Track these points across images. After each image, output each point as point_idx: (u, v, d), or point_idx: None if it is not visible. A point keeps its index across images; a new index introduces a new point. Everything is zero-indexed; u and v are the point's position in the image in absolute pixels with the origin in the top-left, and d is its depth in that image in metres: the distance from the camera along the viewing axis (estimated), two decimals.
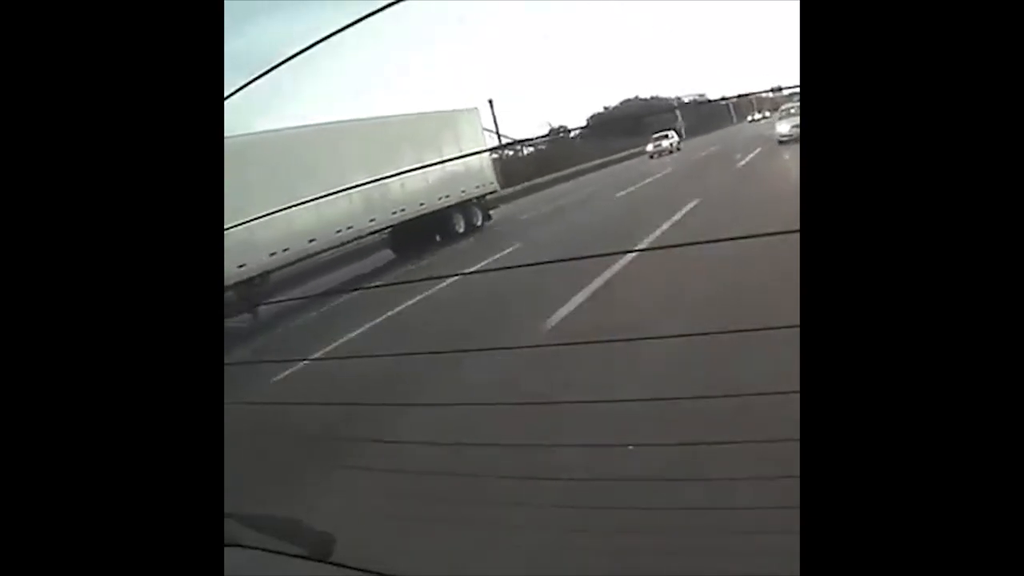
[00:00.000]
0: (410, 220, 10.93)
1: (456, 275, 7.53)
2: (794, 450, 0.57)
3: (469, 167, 12.25)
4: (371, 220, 10.27)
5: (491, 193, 13.18)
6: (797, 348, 0.56)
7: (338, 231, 9.76)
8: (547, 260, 5.88)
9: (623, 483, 2.03)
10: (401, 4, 0.95)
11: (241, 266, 8.25)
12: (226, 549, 0.81)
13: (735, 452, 1.86)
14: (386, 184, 10.04)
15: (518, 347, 4.04)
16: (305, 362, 5.41)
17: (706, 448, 1.93)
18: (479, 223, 12.49)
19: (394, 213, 10.66)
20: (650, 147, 27.21)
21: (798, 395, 0.56)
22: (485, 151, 13.20)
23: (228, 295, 8.07)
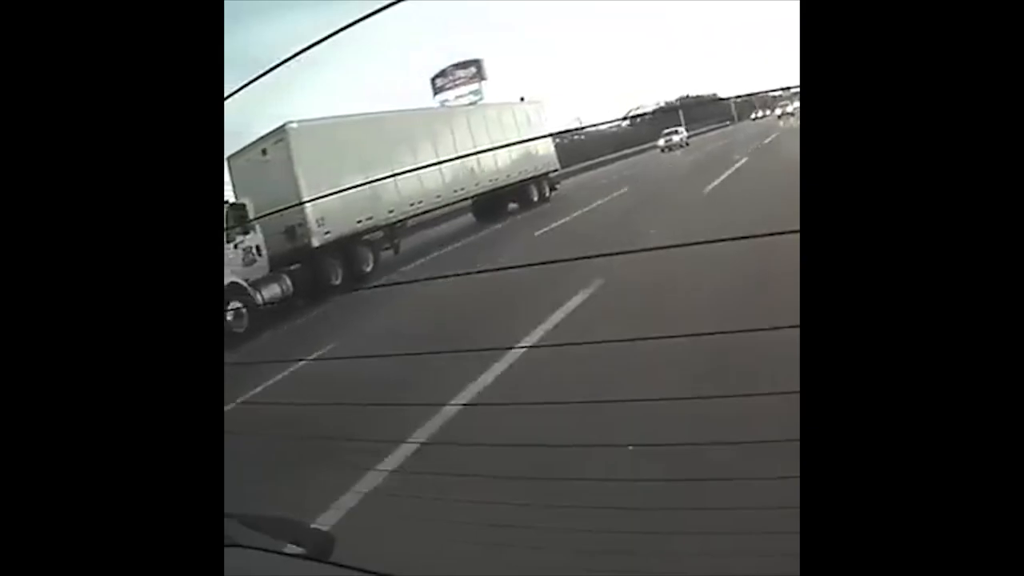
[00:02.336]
0: (499, 188, 14.04)
1: (456, 275, 7.55)
2: (794, 450, 0.57)
3: (539, 149, 15.48)
4: (476, 184, 13.28)
5: (554, 171, 16.39)
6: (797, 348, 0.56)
7: (455, 191, 12.65)
8: (548, 260, 5.88)
9: (623, 483, 2.03)
10: (403, 4, 0.95)
11: (391, 211, 11.02)
12: (226, 549, 0.81)
13: (735, 452, 1.86)
14: (484, 159, 13.29)
15: (518, 347, 4.04)
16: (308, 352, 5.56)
17: (706, 448, 1.93)
18: (547, 194, 15.71)
19: (491, 181, 13.75)
20: (661, 141, 27.68)
21: (798, 395, 0.56)
22: (551, 135, 17.24)
23: (378, 233, 10.90)
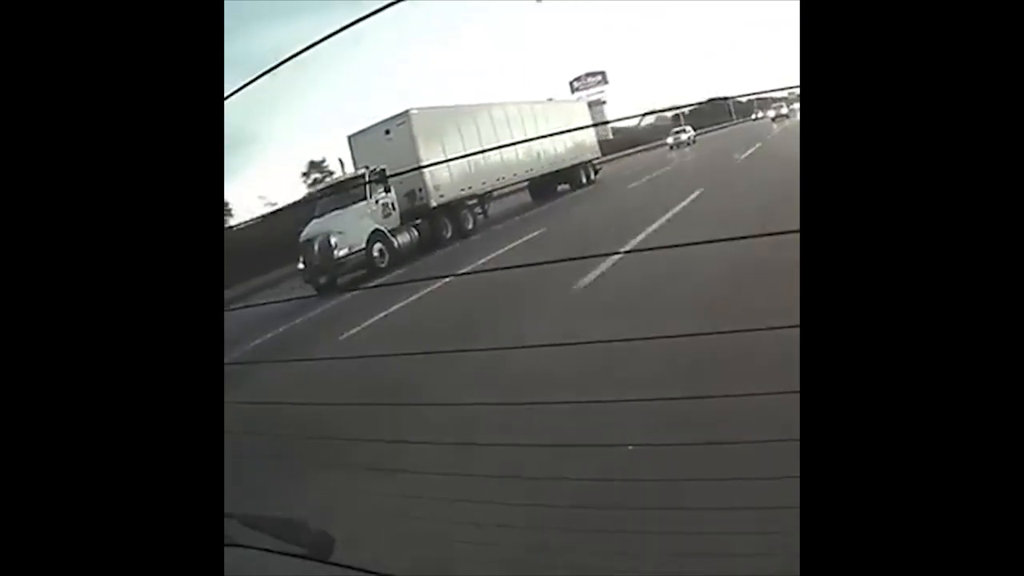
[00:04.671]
0: (557, 170, 17.34)
1: (454, 275, 7.57)
2: (794, 450, 0.57)
3: (586, 139, 18.94)
4: (541, 166, 16.62)
5: (596, 159, 20.06)
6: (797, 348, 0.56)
7: (527, 171, 16.11)
8: (546, 260, 5.88)
9: (623, 483, 2.03)
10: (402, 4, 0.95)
11: (484, 183, 14.34)
12: (226, 549, 0.81)
13: (735, 452, 1.86)
14: (547, 145, 16.50)
15: (518, 347, 4.04)
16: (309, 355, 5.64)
17: (706, 448, 1.93)
18: (592, 178, 19.17)
19: (551, 164, 17.00)
20: (670, 139, 30.32)
21: (798, 395, 0.56)
22: (592, 126, 21.92)
23: (472, 202, 13.96)
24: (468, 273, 7.59)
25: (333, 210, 11.31)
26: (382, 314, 6.61)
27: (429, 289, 7.15)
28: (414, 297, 6.97)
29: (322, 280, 10.84)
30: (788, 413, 0.65)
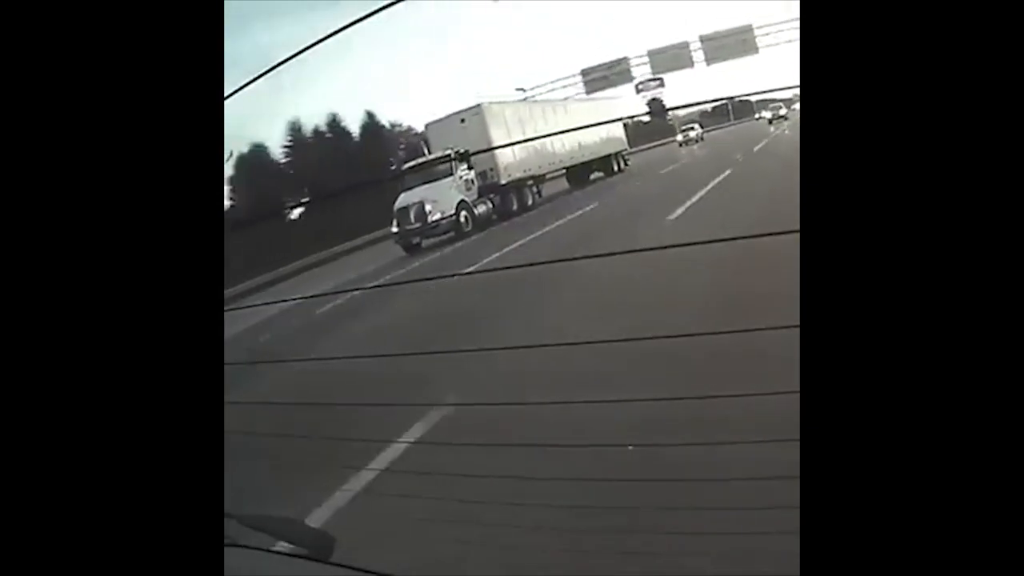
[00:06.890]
0: (594, 159, 20.50)
1: (454, 275, 7.58)
2: (794, 450, 0.57)
3: (617, 132, 22.34)
4: (583, 154, 19.54)
5: (625, 150, 23.53)
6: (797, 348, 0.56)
7: (571, 158, 18.94)
8: (545, 260, 5.89)
9: (623, 482, 2.03)
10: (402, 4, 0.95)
11: (540, 167, 17.30)
12: (226, 549, 0.81)
13: (735, 451, 1.86)
14: (587, 135, 19.14)
15: (518, 347, 4.04)
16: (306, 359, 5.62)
17: (706, 447, 1.93)
18: (623, 167, 22.46)
19: (591, 153, 20.01)
20: (679, 137, 33.26)
21: (798, 395, 0.56)
22: (612, 121, 25.49)
23: (530, 183, 16.74)
24: (466, 273, 7.58)
25: (423, 184, 13.69)
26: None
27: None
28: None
29: (413, 240, 13.42)
30: (788, 413, 0.65)
